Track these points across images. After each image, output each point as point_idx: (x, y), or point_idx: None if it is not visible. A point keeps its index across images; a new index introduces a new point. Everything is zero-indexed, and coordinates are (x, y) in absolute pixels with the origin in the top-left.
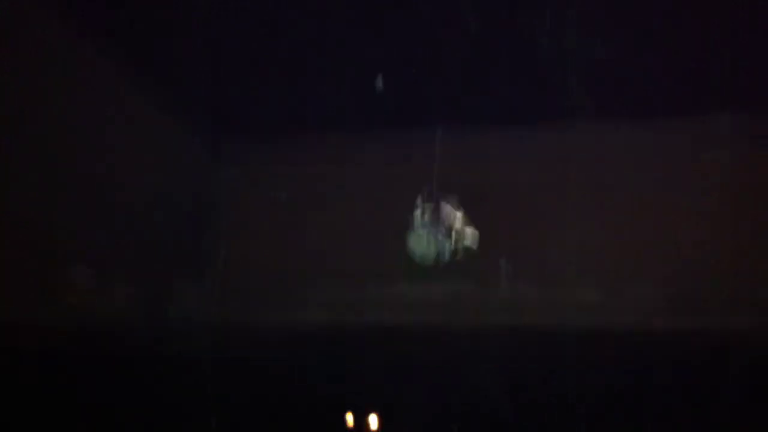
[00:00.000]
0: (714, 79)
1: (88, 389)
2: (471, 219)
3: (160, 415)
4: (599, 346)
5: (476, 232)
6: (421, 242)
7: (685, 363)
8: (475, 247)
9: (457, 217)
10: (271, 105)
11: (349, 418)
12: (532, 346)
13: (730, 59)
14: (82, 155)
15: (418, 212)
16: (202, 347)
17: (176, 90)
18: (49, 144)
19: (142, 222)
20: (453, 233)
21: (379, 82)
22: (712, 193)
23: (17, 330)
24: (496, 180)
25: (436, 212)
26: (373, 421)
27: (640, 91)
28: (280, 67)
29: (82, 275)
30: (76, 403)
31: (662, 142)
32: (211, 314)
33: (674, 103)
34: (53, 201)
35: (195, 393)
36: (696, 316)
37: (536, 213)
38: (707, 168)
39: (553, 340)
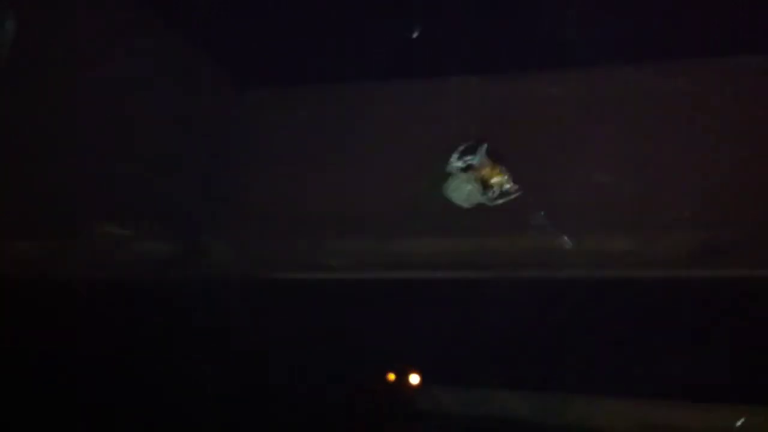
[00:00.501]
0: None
1: (111, 343)
2: (505, 167)
3: (182, 369)
4: (632, 296)
5: (511, 181)
6: (457, 190)
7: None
8: (510, 195)
9: (492, 165)
10: (293, 51)
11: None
12: (567, 297)
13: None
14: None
15: (451, 159)
16: (227, 301)
17: (195, 40)
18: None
19: (165, 172)
20: (488, 181)
21: (415, 30)
22: (745, 135)
23: (40, 283)
24: (522, 126)
25: (471, 159)
26: (409, 377)
27: (662, 31)
28: (304, 13)
29: (107, 227)
30: (99, 357)
31: (693, 84)
32: (235, 268)
33: (701, 44)
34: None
35: (219, 347)
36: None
37: (567, 160)
38: (736, 111)
39: (583, 290)
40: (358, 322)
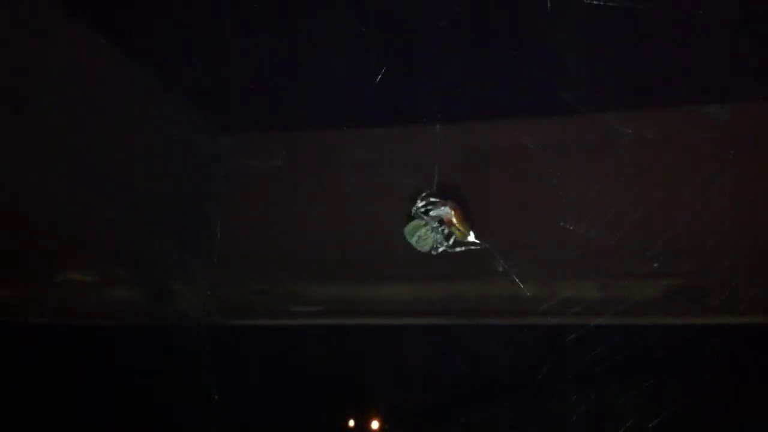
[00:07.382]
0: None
1: (74, 391)
2: (469, 214)
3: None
4: (600, 344)
5: (473, 228)
6: (419, 236)
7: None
8: (472, 241)
9: (456, 212)
10: (267, 96)
11: (351, 422)
12: (532, 344)
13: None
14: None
15: (415, 206)
16: (199, 347)
17: (170, 83)
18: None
19: (139, 216)
20: (451, 228)
21: (376, 74)
22: (716, 183)
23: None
24: (495, 173)
25: (435, 206)
26: (373, 423)
27: (634, 80)
28: (278, 61)
29: (72, 273)
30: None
31: (662, 133)
32: (207, 313)
33: (672, 92)
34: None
35: (192, 392)
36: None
37: (536, 208)
38: (707, 160)
39: (554, 339)
40: (326, 369)
